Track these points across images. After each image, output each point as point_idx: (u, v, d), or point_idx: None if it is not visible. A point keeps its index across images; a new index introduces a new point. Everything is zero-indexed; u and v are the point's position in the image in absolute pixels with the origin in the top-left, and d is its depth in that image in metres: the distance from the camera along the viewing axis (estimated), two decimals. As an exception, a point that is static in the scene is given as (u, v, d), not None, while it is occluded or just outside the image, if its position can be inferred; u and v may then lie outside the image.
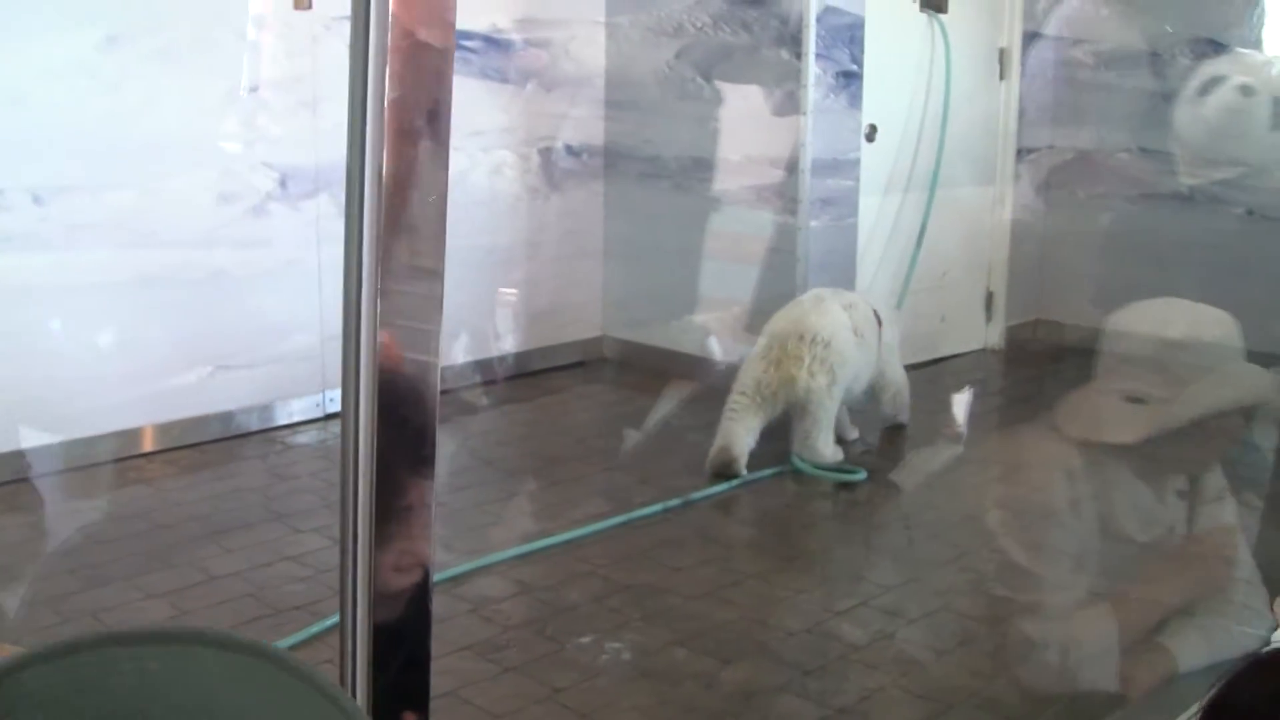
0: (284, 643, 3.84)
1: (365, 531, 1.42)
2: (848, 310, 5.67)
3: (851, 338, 5.57)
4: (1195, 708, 1.71)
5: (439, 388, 1.51)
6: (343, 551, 1.46)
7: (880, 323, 5.81)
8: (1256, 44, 6.55)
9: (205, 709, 1.01)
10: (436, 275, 1.43)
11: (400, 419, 1.44)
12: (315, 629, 3.92)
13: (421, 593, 1.52)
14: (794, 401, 5.45)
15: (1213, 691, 1.67)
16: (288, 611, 4.07)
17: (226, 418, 5.68)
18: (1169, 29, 6.91)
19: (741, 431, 5.41)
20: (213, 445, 5.57)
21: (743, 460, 5.37)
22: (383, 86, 1.33)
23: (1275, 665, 1.68)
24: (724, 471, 5.35)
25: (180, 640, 1.05)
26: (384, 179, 1.34)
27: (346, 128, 1.36)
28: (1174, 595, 3.55)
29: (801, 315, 5.58)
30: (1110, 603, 3.66)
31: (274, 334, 5.73)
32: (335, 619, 1.71)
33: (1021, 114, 7.31)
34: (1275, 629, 2.86)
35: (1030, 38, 7.30)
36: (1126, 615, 3.59)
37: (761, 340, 5.60)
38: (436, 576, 4.22)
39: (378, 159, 1.33)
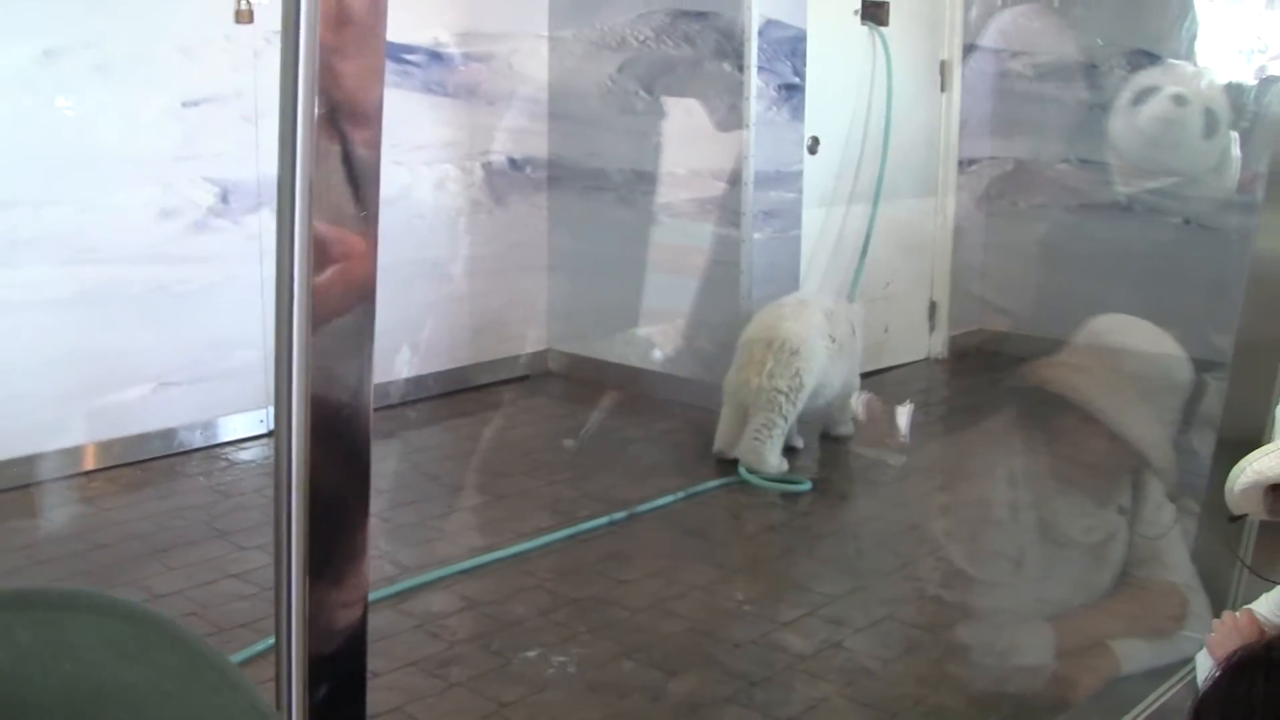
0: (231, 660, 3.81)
1: (300, 551, 1.41)
2: (828, 318, 5.74)
3: (823, 346, 5.63)
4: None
5: (372, 405, 1.50)
6: (277, 571, 1.45)
7: (855, 332, 5.89)
8: (1188, 56, 6.63)
9: (92, 689, 0.88)
10: (369, 290, 1.42)
11: (334, 436, 1.43)
12: (260, 647, 3.89)
13: (358, 611, 1.51)
14: (750, 403, 5.53)
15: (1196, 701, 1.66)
16: (232, 630, 4.04)
17: (169, 435, 5.64)
18: (1100, 42, 6.98)
19: (729, 428, 5.67)
20: (155, 462, 5.53)
21: (727, 451, 5.64)
22: (313, 101, 1.32)
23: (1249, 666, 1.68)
24: (723, 455, 5.67)
25: (46, 604, 0.91)
26: (314, 194, 1.34)
27: (277, 142, 1.36)
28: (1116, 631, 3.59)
29: (776, 321, 5.67)
30: (1054, 626, 3.69)
31: (217, 350, 5.69)
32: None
33: (962, 125, 7.36)
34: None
35: (970, 50, 7.35)
36: (1069, 640, 3.62)
37: (739, 345, 5.74)
38: (383, 592, 4.23)
39: (308, 173, 1.33)
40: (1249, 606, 2.85)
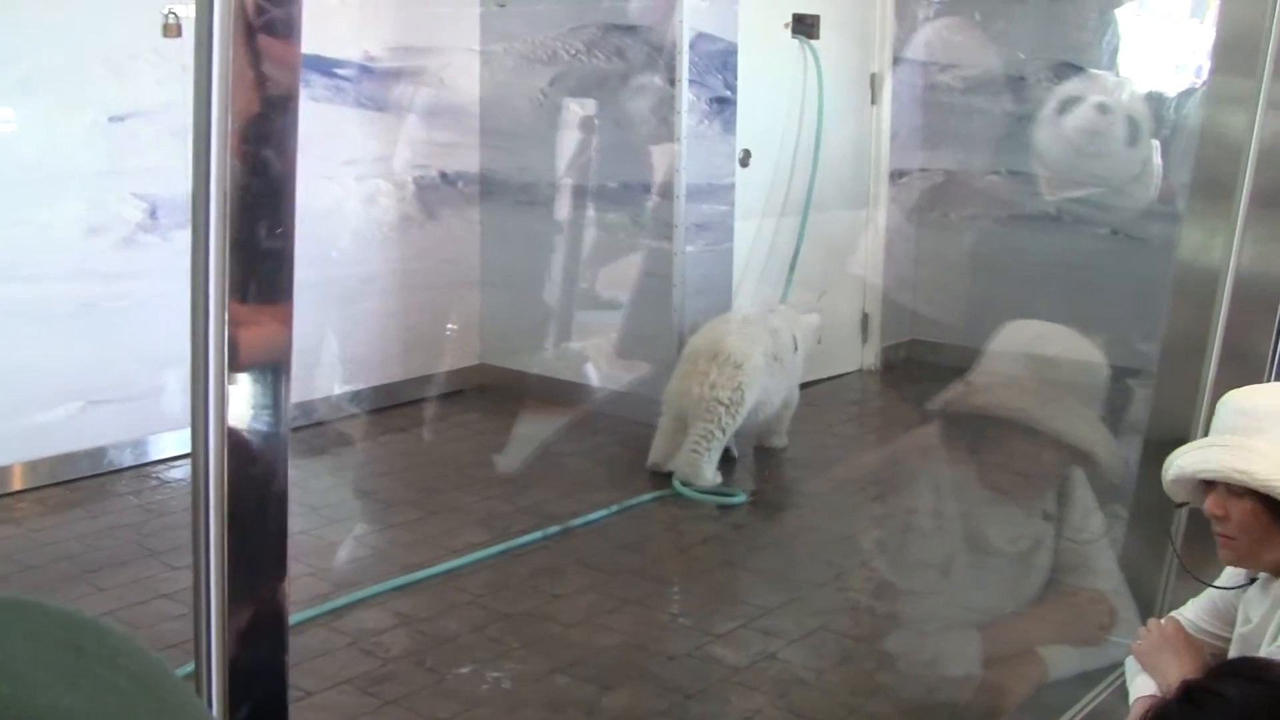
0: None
1: (217, 573, 1.40)
2: (773, 335, 5.81)
3: (766, 363, 5.68)
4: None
5: (289, 423, 1.49)
6: (196, 594, 1.43)
7: (797, 347, 5.94)
8: (1110, 67, 6.71)
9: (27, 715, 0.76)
10: (286, 307, 1.41)
11: (251, 457, 1.42)
12: (191, 668, 3.86)
13: (277, 631, 1.49)
14: (691, 414, 5.56)
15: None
16: (163, 650, 3.99)
17: (98, 454, 5.58)
18: (1021, 56, 7.05)
19: (664, 443, 5.68)
20: (84, 482, 5.46)
21: (663, 464, 5.65)
22: (226, 117, 1.31)
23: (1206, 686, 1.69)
24: (659, 468, 5.67)
25: None
26: (229, 210, 1.33)
27: (191, 159, 1.35)
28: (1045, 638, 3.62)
29: (722, 335, 5.71)
30: (982, 634, 3.72)
31: (146, 367, 5.63)
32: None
33: (893, 138, 7.41)
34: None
35: (899, 63, 7.40)
36: (997, 647, 3.65)
37: (681, 357, 5.79)
38: (315, 610, 4.20)
39: (223, 189, 1.32)
40: (1174, 615, 2.88)
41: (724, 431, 5.55)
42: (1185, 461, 2.62)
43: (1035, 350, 3.74)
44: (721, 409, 5.51)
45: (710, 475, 5.52)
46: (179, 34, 5.48)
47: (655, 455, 5.70)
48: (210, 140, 1.31)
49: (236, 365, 1.36)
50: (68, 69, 5.32)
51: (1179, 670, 2.60)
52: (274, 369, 1.42)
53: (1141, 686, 2.73)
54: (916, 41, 7.45)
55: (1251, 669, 1.74)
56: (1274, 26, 3.16)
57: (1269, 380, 3.27)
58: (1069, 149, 5.45)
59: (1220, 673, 1.75)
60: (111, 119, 5.46)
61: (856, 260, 7.46)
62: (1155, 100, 5.74)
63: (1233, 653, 2.65)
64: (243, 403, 1.37)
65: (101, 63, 5.43)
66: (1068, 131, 5.36)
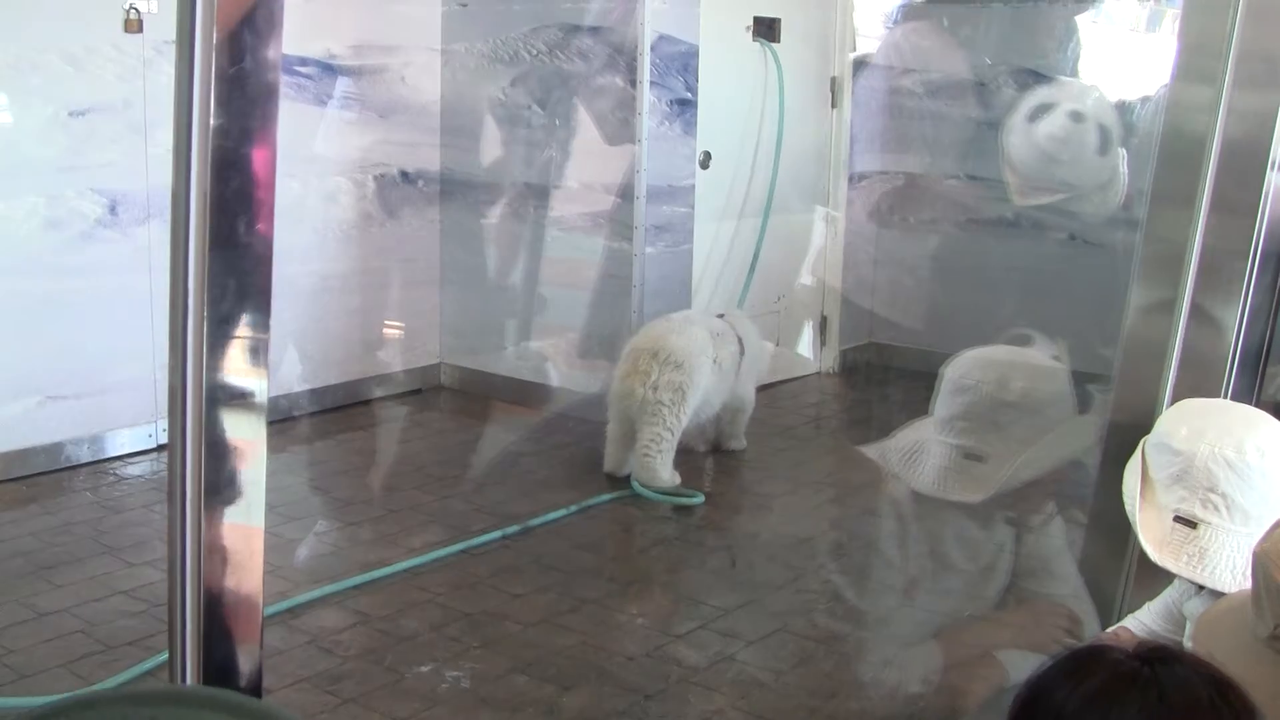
0: (116, 679, 3.76)
1: (193, 566, 1.40)
2: (714, 338, 5.79)
3: (708, 364, 5.68)
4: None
5: (266, 416, 1.49)
6: (171, 587, 1.43)
7: (743, 350, 5.93)
8: (1073, 74, 6.76)
9: None
10: (264, 301, 1.41)
11: (227, 449, 1.41)
12: (149, 664, 3.85)
13: (252, 626, 1.49)
14: (634, 415, 5.57)
15: (1024, 690, 1.71)
16: (120, 647, 3.99)
17: (55, 449, 5.54)
18: (988, 60, 7.09)
19: (615, 449, 5.70)
20: (41, 478, 5.43)
21: (617, 466, 5.68)
22: (208, 112, 1.31)
23: (1084, 661, 1.73)
24: (612, 472, 5.69)
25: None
26: (209, 206, 1.33)
27: (172, 154, 1.34)
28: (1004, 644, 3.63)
29: (663, 334, 5.70)
30: (941, 640, 3.73)
31: (105, 363, 5.60)
32: (165, 655, 1.67)
33: (853, 141, 7.44)
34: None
35: (861, 67, 7.43)
36: (956, 653, 3.67)
37: (622, 356, 5.76)
38: (275, 608, 4.19)
39: (203, 185, 1.32)
40: (1130, 618, 2.91)
41: (672, 432, 5.55)
42: (1126, 488, 2.71)
43: (1004, 388, 3.74)
44: (665, 409, 5.52)
45: (667, 476, 5.53)
46: (140, 29, 5.46)
47: (610, 463, 5.71)
48: (191, 137, 1.31)
49: (216, 361, 1.36)
50: (27, 63, 5.28)
51: None
52: (252, 360, 1.42)
53: None
54: (878, 45, 7.48)
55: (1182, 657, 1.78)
56: (1235, 35, 3.19)
57: (1226, 386, 3.30)
58: (1040, 156, 5.47)
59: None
60: (71, 113, 5.43)
61: (816, 263, 7.48)
62: (1122, 108, 5.78)
63: None
64: (221, 399, 1.37)
65: (61, 57, 5.39)
66: (1040, 139, 5.38)
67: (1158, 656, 1.70)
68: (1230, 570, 2.52)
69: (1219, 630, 2.32)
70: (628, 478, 5.61)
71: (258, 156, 1.37)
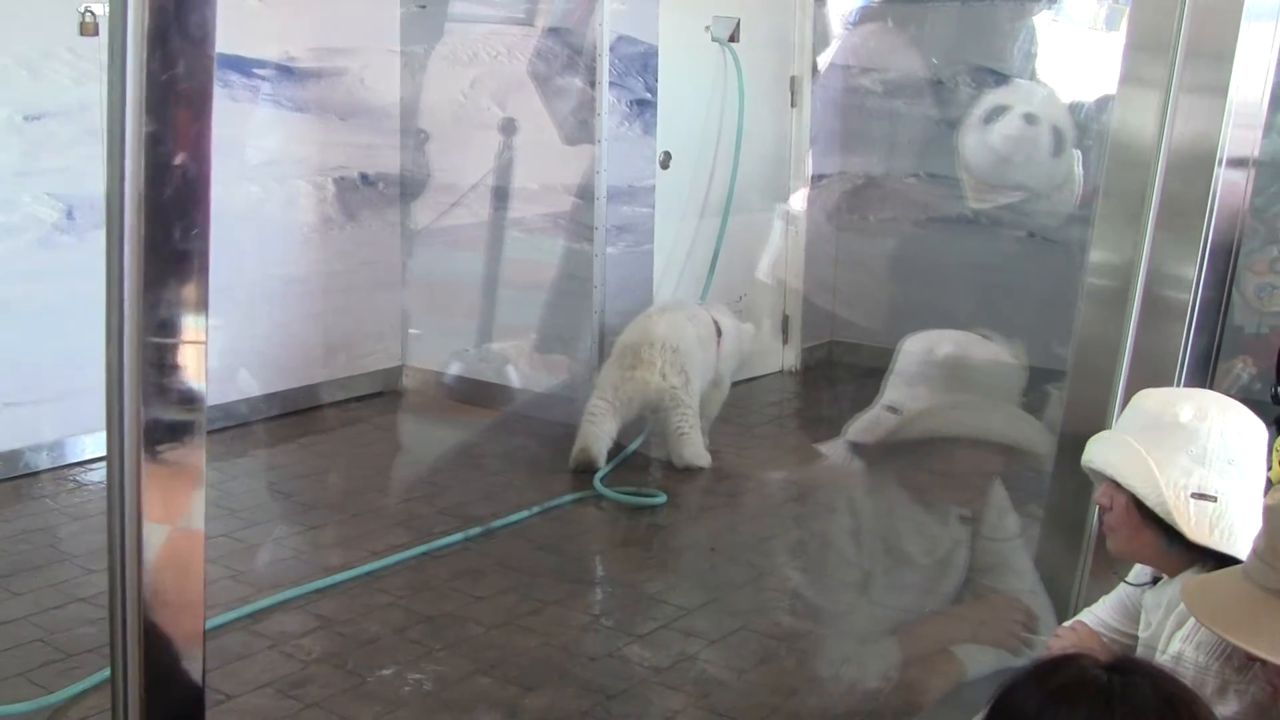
0: (72, 689, 3.74)
1: (134, 574, 1.40)
2: (691, 321, 6.03)
3: (697, 345, 5.93)
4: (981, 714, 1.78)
5: (205, 424, 1.49)
6: (112, 596, 1.43)
7: (720, 333, 6.14)
8: (1029, 75, 6.80)
9: None
10: (201, 308, 1.41)
11: (166, 455, 1.41)
12: (109, 672, 3.82)
13: (194, 633, 1.49)
14: (649, 404, 5.80)
15: (996, 691, 1.75)
16: (79, 655, 3.97)
17: (13, 456, 5.51)
18: (934, 61, 7.13)
19: (599, 433, 5.77)
20: (-2, 485, 5.41)
21: (601, 459, 5.75)
22: (140, 119, 1.31)
23: (1053, 667, 1.78)
24: (584, 469, 5.73)
25: None
26: (144, 213, 1.33)
27: (105, 162, 1.34)
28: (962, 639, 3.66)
29: (650, 325, 5.91)
30: (899, 637, 3.75)
31: (63, 369, 5.56)
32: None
33: (813, 140, 7.46)
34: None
35: (820, 66, 7.45)
36: (914, 649, 3.69)
37: (615, 350, 5.94)
38: (235, 613, 4.18)
39: (137, 192, 1.32)
40: (1086, 612, 2.93)
41: (693, 408, 5.84)
42: (1086, 450, 2.74)
43: (940, 357, 3.78)
44: (679, 391, 5.78)
45: (704, 450, 5.87)
46: (96, 33, 5.43)
47: (589, 455, 5.76)
48: (124, 142, 1.31)
49: (153, 368, 1.36)
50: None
51: None
52: (191, 371, 1.42)
53: None
54: (836, 45, 7.50)
55: (1148, 672, 1.82)
56: (1182, 33, 3.22)
57: (1178, 381, 3.34)
58: (995, 158, 5.52)
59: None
60: (26, 118, 5.41)
61: (777, 262, 7.50)
62: (1076, 109, 5.82)
63: (1140, 655, 2.71)
64: (159, 407, 1.37)
65: (16, 61, 5.36)
66: (995, 140, 5.42)
67: (1121, 668, 1.75)
68: (1248, 535, 2.54)
69: (1214, 586, 2.34)
70: (591, 474, 5.67)
71: (193, 164, 1.37)
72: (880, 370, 3.89)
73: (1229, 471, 2.59)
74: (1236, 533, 2.55)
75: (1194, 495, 2.59)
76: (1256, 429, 2.66)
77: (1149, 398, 2.79)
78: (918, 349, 3.78)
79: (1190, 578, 2.51)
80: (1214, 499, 2.58)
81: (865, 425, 3.73)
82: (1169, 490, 2.58)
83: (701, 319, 6.10)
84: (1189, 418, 2.63)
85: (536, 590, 4.58)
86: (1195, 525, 2.57)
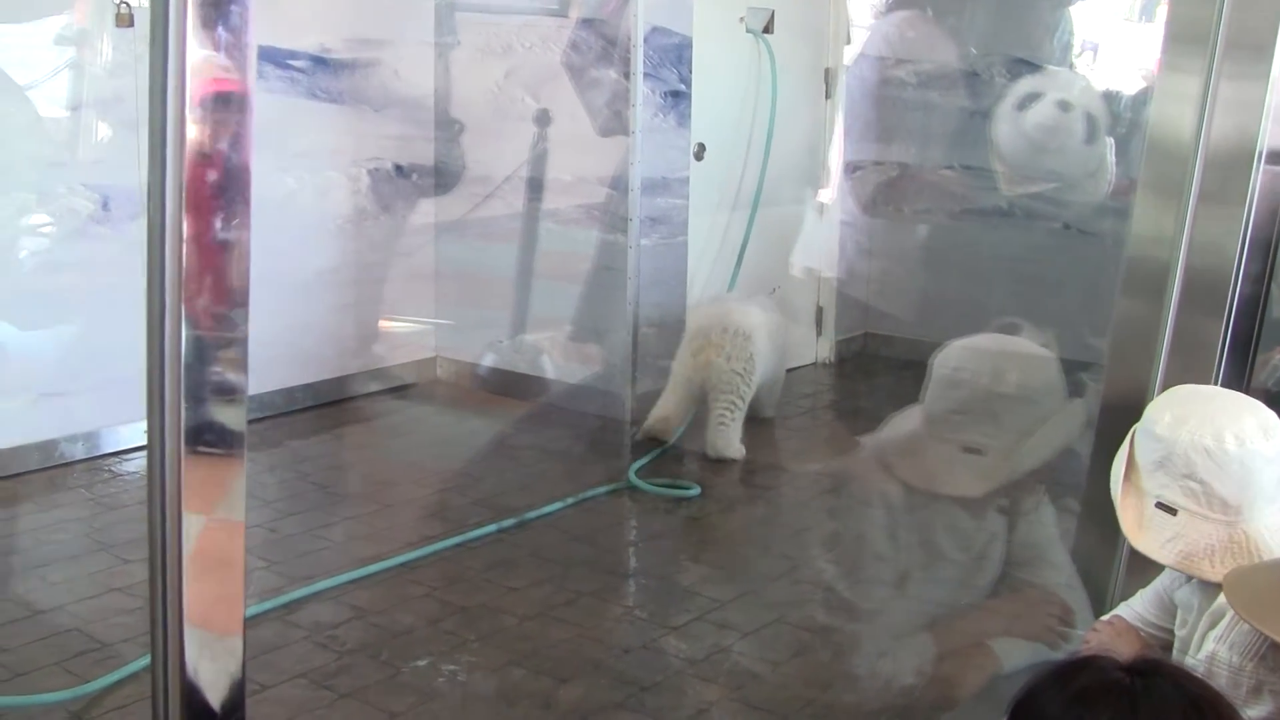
0: (109, 678, 3.75)
1: (174, 564, 1.40)
2: (765, 311, 6.20)
3: (768, 338, 6.06)
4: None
5: (247, 412, 1.49)
6: (152, 586, 1.43)
7: (783, 327, 6.40)
8: (1064, 63, 6.75)
9: None
10: (242, 298, 1.41)
11: (207, 450, 1.41)
12: (144, 662, 3.83)
13: (234, 623, 1.49)
14: (710, 385, 5.89)
15: (1018, 694, 1.74)
16: (115, 645, 3.98)
17: (49, 446, 5.53)
18: (973, 50, 7.09)
19: (677, 401, 6.00)
20: (34, 475, 5.42)
21: (675, 430, 5.98)
22: (182, 109, 1.31)
23: (1075, 669, 1.77)
24: (658, 436, 5.97)
25: None
26: (185, 202, 1.32)
27: (147, 151, 1.34)
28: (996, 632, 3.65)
29: (727, 311, 6.09)
30: (935, 631, 3.74)
31: (98, 360, 5.59)
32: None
33: (847, 131, 7.43)
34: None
35: (854, 58, 7.42)
36: (949, 643, 3.68)
37: (687, 333, 6.10)
38: (270, 604, 4.19)
39: (178, 181, 1.31)
40: (1123, 605, 2.91)
41: (743, 400, 5.90)
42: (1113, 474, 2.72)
43: (992, 377, 3.75)
44: (739, 379, 5.86)
45: (738, 445, 5.87)
46: (131, 24, 5.44)
47: (654, 422, 5.99)
48: (165, 132, 1.31)
49: (193, 358, 1.36)
50: (18, 59, 5.27)
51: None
52: (231, 358, 1.42)
53: None
54: (871, 36, 7.46)
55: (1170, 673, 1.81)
56: (1222, 24, 3.19)
57: (1216, 373, 3.31)
58: (1028, 145, 5.48)
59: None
60: (62, 109, 5.42)
61: (810, 254, 7.48)
62: (1111, 98, 5.78)
63: (1175, 652, 2.69)
64: (200, 398, 1.37)
65: (53, 53, 5.37)
66: (1028, 128, 5.38)
67: (1143, 669, 1.74)
68: (1209, 557, 2.52)
69: (1255, 576, 2.33)
70: (659, 444, 5.91)
71: (233, 151, 1.37)
72: (915, 363, 3.87)
73: (1190, 487, 2.56)
74: (1190, 550, 2.52)
75: (1157, 505, 2.58)
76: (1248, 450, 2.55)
77: (1165, 399, 2.78)
78: (970, 371, 3.72)
79: (1236, 567, 2.48)
80: (1173, 512, 2.56)
81: (954, 474, 3.67)
82: (1133, 495, 2.58)
83: (773, 314, 6.29)
84: (1165, 427, 2.61)
85: (570, 581, 4.58)
86: (1142, 531, 2.56)
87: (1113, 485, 2.69)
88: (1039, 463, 3.71)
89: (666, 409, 5.99)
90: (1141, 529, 2.58)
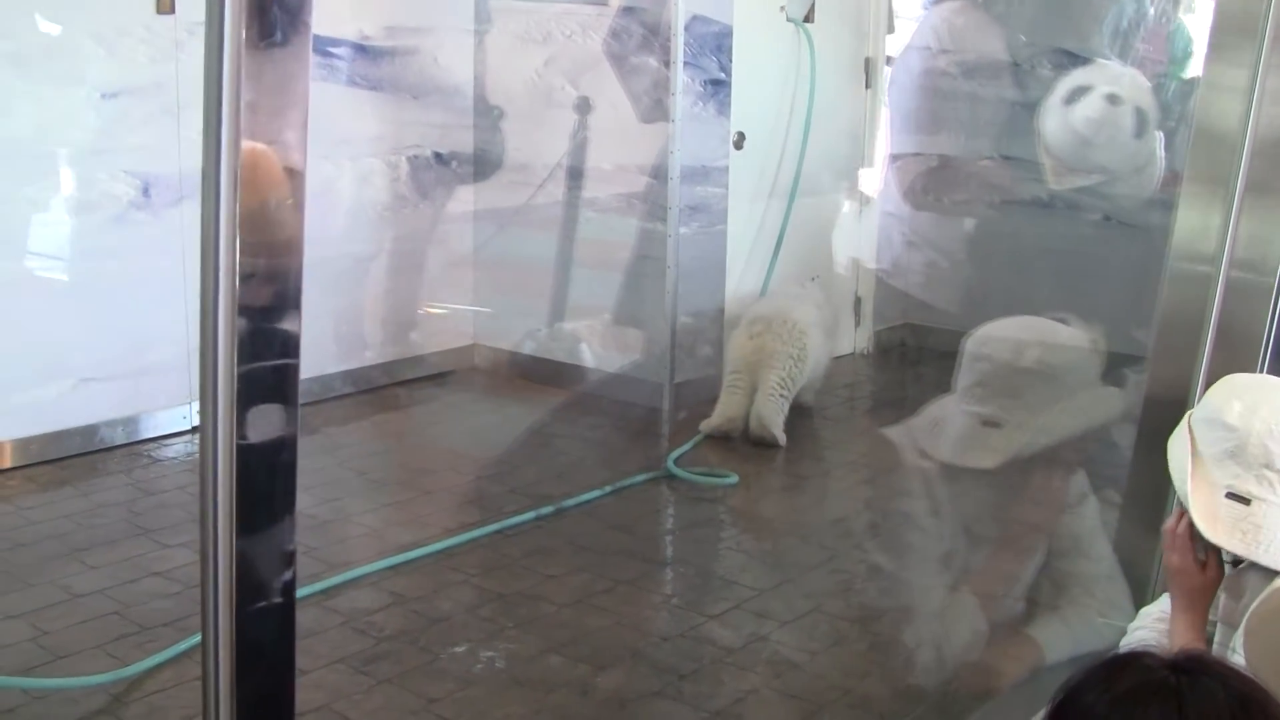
0: (150, 661, 3.77)
1: (226, 547, 1.40)
2: (818, 308, 6.36)
3: (822, 335, 6.23)
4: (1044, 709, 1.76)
5: (299, 398, 1.49)
6: (204, 567, 1.43)
7: (836, 320, 6.60)
8: (1109, 55, 6.69)
9: None
10: (294, 281, 1.41)
11: (260, 430, 1.41)
12: (184, 646, 3.86)
13: (285, 608, 1.49)
14: (764, 365, 6.00)
15: (1060, 693, 1.73)
16: (155, 629, 4.00)
17: (89, 431, 5.57)
18: (1023, 39, 7.04)
19: (742, 400, 6.01)
20: (75, 460, 5.45)
21: (740, 427, 5.98)
22: (238, 90, 1.31)
23: (1118, 668, 1.76)
24: (725, 435, 5.98)
25: None
26: (240, 184, 1.32)
27: (202, 133, 1.34)
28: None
29: (786, 304, 6.23)
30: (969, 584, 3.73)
31: (139, 345, 5.62)
32: (199, 637, 1.67)
33: (888, 121, 7.40)
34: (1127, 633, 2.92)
35: (903, 49, 7.38)
36: (984, 586, 3.66)
37: (745, 320, 6.21)
38: (309, 589, 4.21)
39: (233, 164, 1.31)
40: (1159, 603, 2.88)
41: (794, 383, 6.00)
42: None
43: (1020, 354, 3.74)
44: (791, 362, 5.97)
45: (782, 423, 5.93)
46: (172, 10, 5.46)
47: (719, 420, 6.00)
48: (221, 113, 1.31)
49: (246, 342, 1.36)
50: (58, 45, 5.30)
51: (1184, 621, 2.64)
52: (283, 341, 1.42)
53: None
54: (919, 28, 7.43)
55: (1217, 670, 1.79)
56: (1270, 15, 3.17)
57: (1261, 364, 3.28)
58: (1076, 138, 5.44)
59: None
60: (103, 96, 5.44)
61: (849, 243, 7.46)
62: (1159, 91, 5.74)
63: (1216, 638, 2.68)
64: (253, 374, 1.37)
65: (93, 39, 5.40)
66: (1076, 121, 5.34)
67: (1188, 667, 1.73)
68: None
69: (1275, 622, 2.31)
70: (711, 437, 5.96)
71: (288, 136, 1.37)
72: (952, 354, 3.85)
73: (1267, 476, 2.53)
74: (1267, 540, 2.49)
75: (1228, 495, 2.54)
76: None
77: (1226, 387, 2.74)
78: (995, 348, 3.72)
79: (1262, 601, 2.45)
80: (1245, 502, 2.53)
81: (962, 441, 3.66)
82: (1201, 486, 2.55)
83: (826, 310, 6.45)
84: (1236, 416, 2.57)
85: (608, 569, 4.58)
86: (1216, 523, 2.53)
87: (1175, 478, 2.64)
88: (1055, 440, 3.70)
89: (731, 409, 5.99)
90: (1214, 520, 2.55)
